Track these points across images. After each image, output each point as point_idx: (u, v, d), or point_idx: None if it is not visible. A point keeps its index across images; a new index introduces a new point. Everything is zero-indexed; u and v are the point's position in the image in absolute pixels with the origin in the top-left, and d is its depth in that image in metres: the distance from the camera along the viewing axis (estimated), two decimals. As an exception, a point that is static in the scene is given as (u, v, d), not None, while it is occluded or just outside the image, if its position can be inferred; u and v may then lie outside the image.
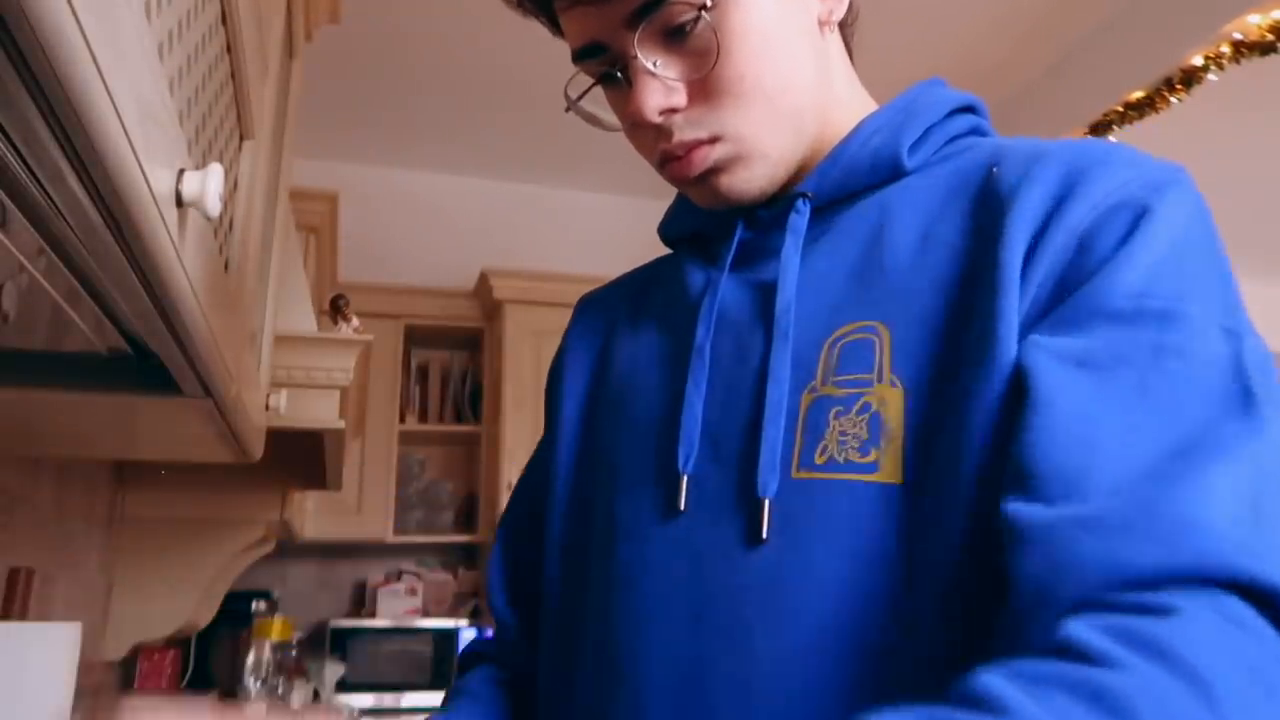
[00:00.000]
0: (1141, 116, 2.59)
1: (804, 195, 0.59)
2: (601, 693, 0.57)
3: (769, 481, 0.52)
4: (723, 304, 0.61)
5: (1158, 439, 0.42)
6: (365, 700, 2.93)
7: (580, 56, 0.59)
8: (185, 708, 0.47)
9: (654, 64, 0.55)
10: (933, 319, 0.52)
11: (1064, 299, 0.48)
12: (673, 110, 0.57)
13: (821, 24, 0.60)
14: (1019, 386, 0.47)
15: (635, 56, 0.55)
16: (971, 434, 0.48)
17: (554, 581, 0.65)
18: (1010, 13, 2.57)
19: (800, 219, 0.59)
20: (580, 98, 0.61)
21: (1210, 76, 2.41)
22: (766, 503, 0.52)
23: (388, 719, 2.92)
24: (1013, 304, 0.49)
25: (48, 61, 0.31)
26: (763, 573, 0.52)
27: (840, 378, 0.53)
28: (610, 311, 0.73)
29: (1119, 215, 0.49)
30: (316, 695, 2.80)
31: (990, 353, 0.48)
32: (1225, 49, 2.33)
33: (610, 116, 0.62)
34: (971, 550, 0.46)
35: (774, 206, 0.61)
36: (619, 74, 0.58)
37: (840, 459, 0.51)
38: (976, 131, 0.63)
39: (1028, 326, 0.48)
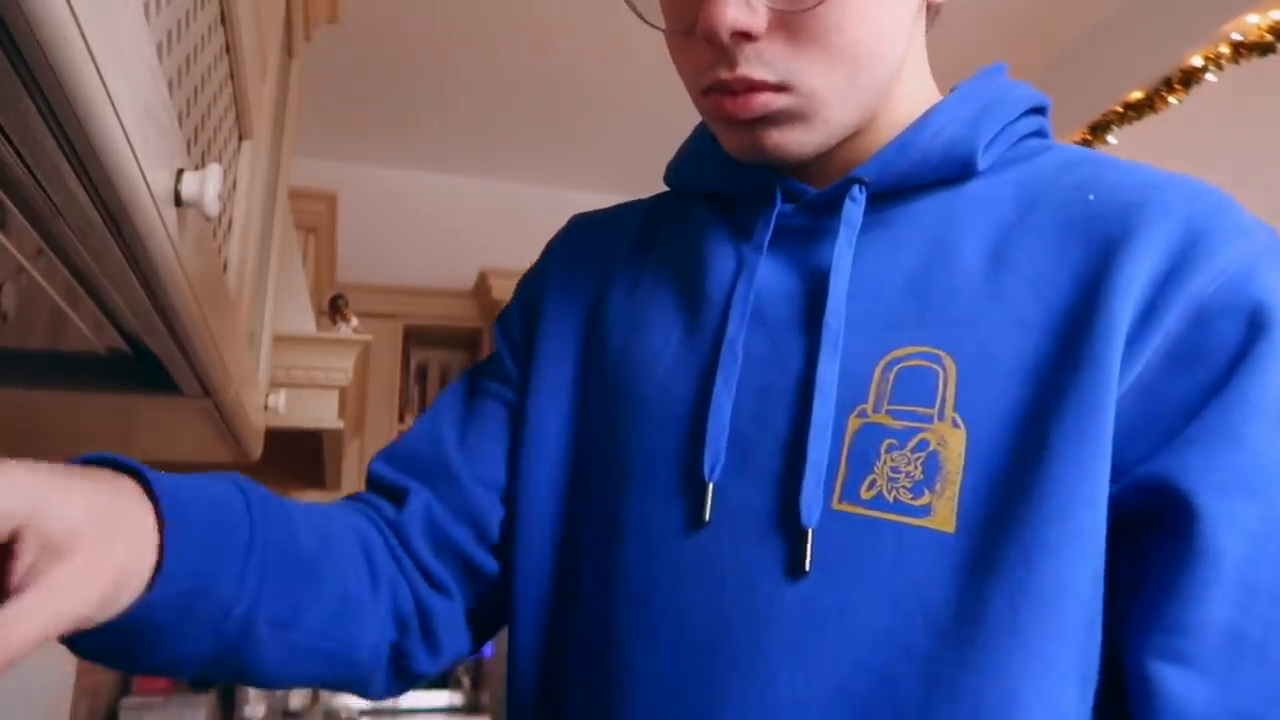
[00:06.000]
0: (1140, 117, 2.59)
1: (861, 181, 0.53)
2: (596, 711, 0.52)
3: (812, 509, 0.48)
4: (758, 291, 0.54)
5: None
6: (364, 700, 2.92)
7: None
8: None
9: None
10: (1009, 359, 0.47)
11: (1198, 395, 0.45)
12: (747, 36, 0.48)
13: (927, 3, 0.54)
14: (1147, 494, 0.45)
15: None
16: (1047, 496, 0.44)
17: (543, 578, 0.59)
18: (1009, 13, 2.57)
19: (856, 209, 0.53)
20: None
21: (1209, 77, 2.41)
22: (810, 533, 0.47)
23: (387, 719, 2.92)
24: (1116, 364, 0.45)
25: (47, 61, 0.31)
26: (794, 609, 0.47)
27: (896, 407, 0.48)
28: (606, 254, 0.65)
29: (1241, 297, 0.46)
30: (315, 695, 2.80)
31: (1091, 417, 0.45)
32: (1224, 49, 2.33)
33: (653, 12, 0.53)
34: (1020, 613, 0.44)
35: (824, 188, 0.55)
36: None
37: (890, 498, 0.47)
38: (1039, 133, 0.58)
39: (1133, 392, 0.46)
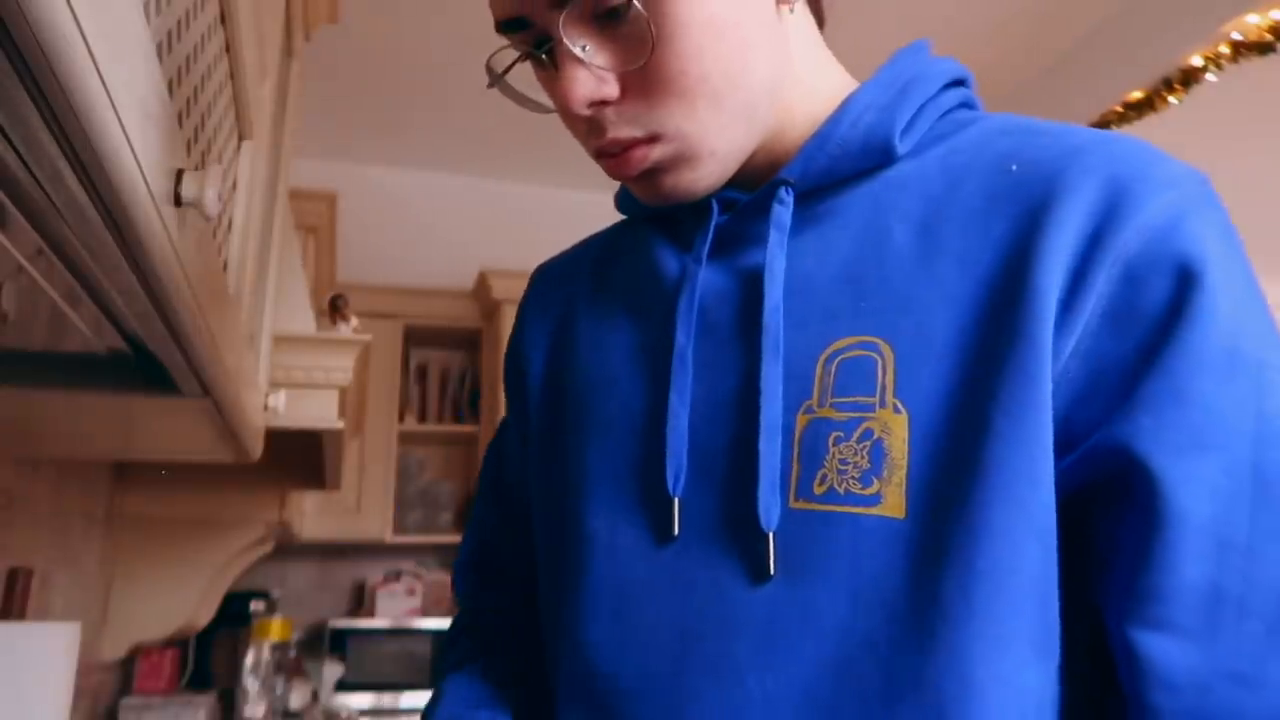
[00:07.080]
0: (1140, 116, 2.59)
1: (786, 183, 0.54)
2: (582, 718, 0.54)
3: (770, 512, 0.48)
4: (702, 300, 0.55)
5: None
6: (364, 700, 2.93)
7: (504, 28, 0.52)
8: None
9: (582, 49, 0.49)
10: (943, 339, 0.47)
11: (1137, 356, 0.45)
12: (603, 103, 0.51)
13: (779, 3, 0.53)
14: (1104, 463, 0.45)
15: (560, 40, 0.49)
16: (988, 473, 0.44)
17: (542, 614, 0.61)
18: (1009, 13, 2.57)
19: (784, 210, 0.53)
20: (505, 73, 0.54)
21: (1209, 76, 2.41)
22: (771, 536, 0.48)
23: (387, 718, 2.92)
24: (1049, 335, 0.45)
25: (47, 62, 0.31)
26: (760, 611, 0.48)
27: (840, 400, 0.49)
28: (569, 285, 0.67)
29: (1168, 250, 0.45)
30: (315, 696, 2.80)
31: (1026, 391, 0.45)
32: (1224, 49, 2.33)
33: (543, 96, 0.56)
34: (972, 596, 0.44)
35: (753, 193, 0.55)
36: (544, 55, 0.52)
37: (840, 490, 0.47)
38: (965, 105, 0.58)
39: (1074, 360, 0.45)
